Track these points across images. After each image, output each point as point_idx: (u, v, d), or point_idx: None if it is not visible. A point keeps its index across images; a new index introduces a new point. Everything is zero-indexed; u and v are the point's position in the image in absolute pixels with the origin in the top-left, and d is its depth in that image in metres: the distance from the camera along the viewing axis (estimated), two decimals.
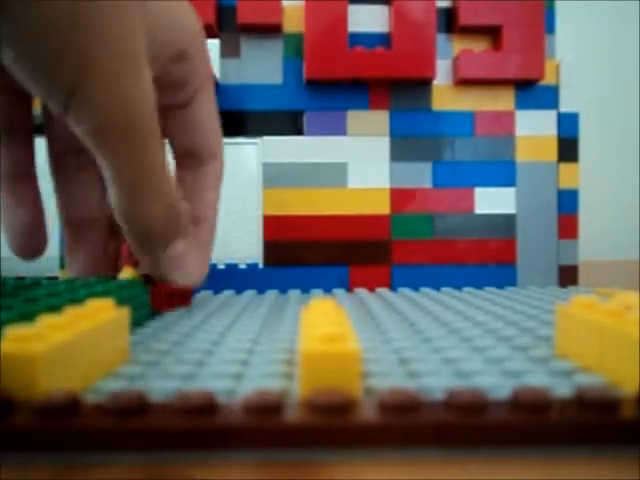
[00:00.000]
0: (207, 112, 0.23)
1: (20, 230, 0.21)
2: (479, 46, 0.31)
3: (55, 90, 0.16)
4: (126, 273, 0.21)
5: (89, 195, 0.22)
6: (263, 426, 0.09)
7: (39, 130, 0.22)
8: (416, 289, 0.30)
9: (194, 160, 0.23)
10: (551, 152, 0.32)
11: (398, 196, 0.31)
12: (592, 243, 0.42)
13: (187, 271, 0.21)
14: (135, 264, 0.21)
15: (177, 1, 0.21)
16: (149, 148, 0.18)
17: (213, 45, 0.30)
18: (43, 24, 0.15)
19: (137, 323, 0.18)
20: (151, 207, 0.19)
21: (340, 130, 0.31)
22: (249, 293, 0.29)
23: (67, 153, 0.22)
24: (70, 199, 0.22)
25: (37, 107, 0.28)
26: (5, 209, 0.21)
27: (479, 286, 0.31)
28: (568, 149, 0.32)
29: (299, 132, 0.31)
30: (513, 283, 0.31)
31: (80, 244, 0.22)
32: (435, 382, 0.12)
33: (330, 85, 0.31)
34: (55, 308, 0.14)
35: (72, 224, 0.22)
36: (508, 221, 0.32)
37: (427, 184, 0.31)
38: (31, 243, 0.21)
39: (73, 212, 0.22)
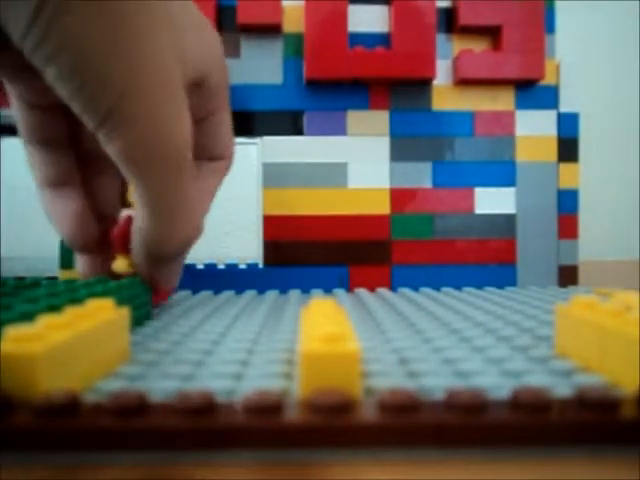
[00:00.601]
0: (223, 128, 0.23)
1: (69, 223, 0.21)
2: (479, 46, 0.31)
3: (93, 110, 0.16)
4: (121, 262, 0.20)
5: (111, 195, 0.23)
6: (263, 426, 0.09)
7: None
8: (416, 289, 0.30)
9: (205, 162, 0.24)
10: (551, 152, 0.32)
11: (398, 196, 0.31)
12: (592, 243, 0.42)
13: (176, 280, 0.22)
14: (128, 251, 0.21)
15: (202, 29, 0.21)
16: (183, 174, 0.18)
17: None
18: (86, 48, 0.15)
19: (137, 323, 0.18)
20: (179, 233, 0.19)
21: (340, 130, 0.31)
22: (249, 293, 0.29)
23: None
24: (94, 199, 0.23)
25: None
26: (53, 208, 0.21)
27: (479, 286, 0.31)
28: (568, 149, 0.32)
29: (299, 132, 0.31)
30: (513, 283, 0.31)
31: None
32: (435, 382, 0.12)
33: (330, 85, 0.31)
34: (55, 308, 0.14)
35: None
36: (508, 221, 0.32)
37: (427, 184, 0.31)
38: (81, 235, 0.21)
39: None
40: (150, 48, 0.16)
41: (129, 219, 0.20)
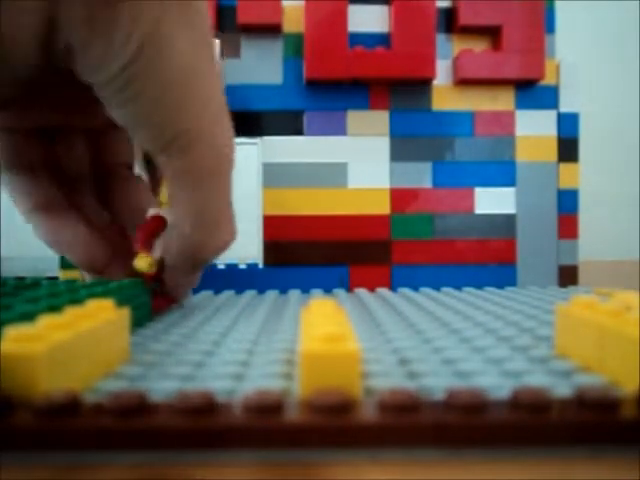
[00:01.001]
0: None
1: (67, 248, 0.22)
2: (479, 46, 0.31)
3: (158, 136, 0.18)
4: (143, 261, 0.20)
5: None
6: (263, 426, 0.09)
7: None
8: (416, 289, 0.30)
9: None
10: (551, 152, 0.32)
11: (398, 196, 0.31)
12: (592, 243, 0.42)
13: (189, 289, 0.23)
14: (150, 250, 0.21)
15: None
16: (229, 188, 0.20)
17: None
18: (153, 99, 0.17)
19: (137, 324, 0.18)
20: (222, 239, 0.20)
21: (340, 130, 0.31)
22: (249, 293, 0.29)
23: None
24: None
25: None
26: (53, 236, 0.22)
27: (479, 286, 0.31)
28: (568, 149, 0.32)
29: (299, 132, 0.31)
30: (513, 283, 0.31)
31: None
32: (435, 382, 0.12)
33: (330, 85, 0.31)
34: (55, 308, 0.14)
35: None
36: (508, 221, 0.32)
37: (427, 184, 0.31)
38: (84, 258, 0.22)
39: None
40: (209, 80, 0.18)
41: (157, 218, 0.20)
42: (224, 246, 0.20)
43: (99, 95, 0.17)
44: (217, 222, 0.20)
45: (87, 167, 0.23)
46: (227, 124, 0.19)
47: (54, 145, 0.22)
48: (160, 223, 0.20)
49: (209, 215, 0.19)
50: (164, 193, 0.22)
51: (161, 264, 0.21)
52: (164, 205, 0.22)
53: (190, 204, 0.19)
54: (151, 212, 0.21)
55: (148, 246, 0.20)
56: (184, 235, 0.20)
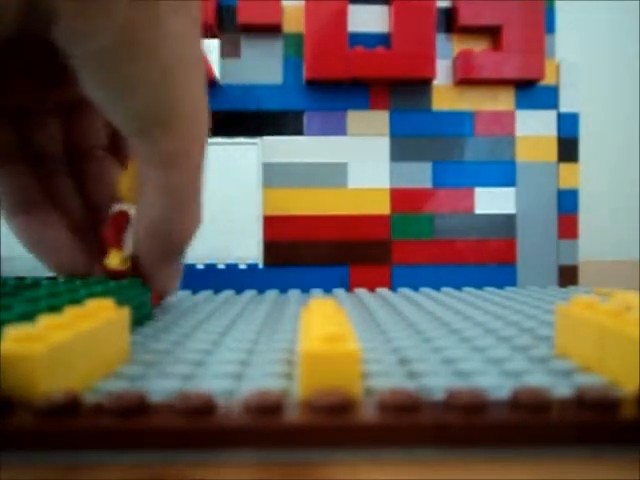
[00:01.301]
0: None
1: (48, 251, 0.22)
2: (479, 46, 0.31)
3: (136, 124, 0.18)
4: (115, 258, 0.20)
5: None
6: (263, 426, 0.09)
7: None
8: (416, 289, 0.30)
9: None
10: (551, 152, 0.32)
11: (398, 196, 0.31)
12: (592, 243, 0.42)
13: (174, 283, 0.22)
14: (121, 247, 0.20)
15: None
16: (202, 171, 0.20)
17: (213, 45, 0.30)
18: (137, 80, 0.17)
19: (137, 323, 0.18)
20: (192, 223, 0.20)
21: (340, 130, 0.31)
22: (249, 293, 0.28)
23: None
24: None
25: None
26: (31, 238, 0.22)
27: (479, 286, 0.31)
28: (568, 149, 0.32)
29: (299, 132, 0.31)
30: (513, 283, 0.31)
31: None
32: (435, 382, 0.12)
33: (330, 85, 0.31)
34: (55, 308, 0.14)
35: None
36: (508, 221, 0.32)
37: (427, 184, 0.31)
38: (66, 262, 0.22)
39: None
40: (195, 66, 0.18)
41: (122, 214, 0.20)
42: (193, 230, 0.20)
43: (78, 69, 0.17)
44: (188, 204, 0.19)
45: (61, 149, 0.22)
46: (205, 107, 0.19)
47: (28, 128, 0.21)
48: (125, 218, 0.20)
49: (181, 196, 0.19)
50: (123, 185, 0.22)
51: (135, 259, 0.20)
52: (125, 200, 0.21)
53: (163, 184, 0.19)
54: (115, 208, 0.21)
55: (118, 242, 0.20)
56: (153, 219, 0.19)
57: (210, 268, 0.30)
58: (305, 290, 0.30)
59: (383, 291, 0.29)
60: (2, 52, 0.17)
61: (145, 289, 0.20)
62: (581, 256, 0.32)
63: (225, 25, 0.31)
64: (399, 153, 0.31)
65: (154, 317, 0.20)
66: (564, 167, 0.32)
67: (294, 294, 0.28)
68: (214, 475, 0.09)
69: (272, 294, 0.28)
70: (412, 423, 0.09)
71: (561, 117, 0.32)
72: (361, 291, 0.29)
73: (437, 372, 0.13)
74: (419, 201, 0.31)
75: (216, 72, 0.30)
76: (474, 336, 0.16)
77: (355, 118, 0.31)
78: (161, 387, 0.11)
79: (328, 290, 0.30)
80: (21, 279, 0.22)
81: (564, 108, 0.32)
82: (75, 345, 0.11)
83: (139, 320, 0.19)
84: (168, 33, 0.16)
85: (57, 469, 0.09)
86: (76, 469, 0.09)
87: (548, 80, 0.31)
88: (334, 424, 0.09)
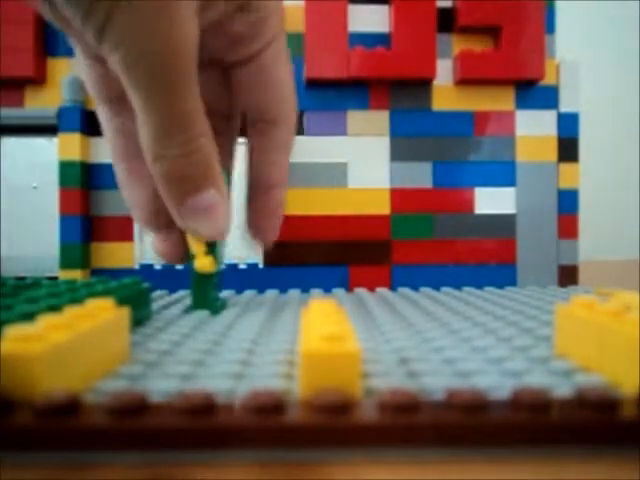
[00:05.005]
0: (279, 67, 0.22)
1: (143, 206, 0.22)
2: (479, 46, 0.31)
3: (91, 23, 0.17)
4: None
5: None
6: (263, 426, 0.09)
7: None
8: (416, 289, 0.30)
9: (263, 124, 0.23)
10: (551, 152, 0.32)
11: (398, 196, 0.31)
12: (592, 243, 0.42)
13: (213, 224, 0.20)
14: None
15: None
16: (180, 86, 0.17)
17: None
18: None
19: (137, 323, 0.18)
20: (177, 149, 0.18)
21: (340, 130, 0.31)
22: (249, 293, 0.28)
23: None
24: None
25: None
26: (125, 188, 0.22)
27: (479, 286, 0.31)
28: (568, 149, 0.32)
29: (299, 132, 0.31)
30: (513, 283, 0.31)
31: None
32: (435, 382, 0.12)
33: (330, 85, 0.31)
34: (55, 308, 0.14)
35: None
36: (508, 221, 0.32)
37: (427, 184, 0.31)
38: (155, 218, 0.22)
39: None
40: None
41: None
42: (186, 161, 0.18)
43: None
44: (168, 130, 0.18)
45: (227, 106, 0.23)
46: (184, 15, 0.18)
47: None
48: None
49: (156, 120, 0.18)
50: None
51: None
52: None
53: (136, 107, 0.18)
54: None
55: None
56: (142, 145, 0.18)
57: None
58: (305, 290, 0.30)
59: (383, 291, 0.29)
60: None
61: (145, 289, 0.20)
62: (581, 256, 0.32)
63: None
64: (399, 153, 0.31)
65: (154, 317, 0.20)
66: (564, 167, 0.32)
67: (294, 294, 0.28)
68: (214, 475, 0.09)
69: (272, 294, 0.28)
70: (412, 423, 0.09)
71: (561, 117, 0.32)
72: (361, 291, 0.29)
73: (437, 372, 0.13)
74: (419, 201, 0.31)
75: None
76: (474, 336, 0.16)
77: (355, 118, 0.31)
78: (161, 387, 0.11)
79: (328, 290, 0.30)
80: (21, 279, 0.22)
81: (564, 108, 0.32)
82: (75, 345, 0.11)
83: (139, 320, 0.19)
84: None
85: (57, 469, 0.09)
86: (76, 469, 0.09)
87: (548, 80, 0.31)
88: (334, 424, 0.09)
